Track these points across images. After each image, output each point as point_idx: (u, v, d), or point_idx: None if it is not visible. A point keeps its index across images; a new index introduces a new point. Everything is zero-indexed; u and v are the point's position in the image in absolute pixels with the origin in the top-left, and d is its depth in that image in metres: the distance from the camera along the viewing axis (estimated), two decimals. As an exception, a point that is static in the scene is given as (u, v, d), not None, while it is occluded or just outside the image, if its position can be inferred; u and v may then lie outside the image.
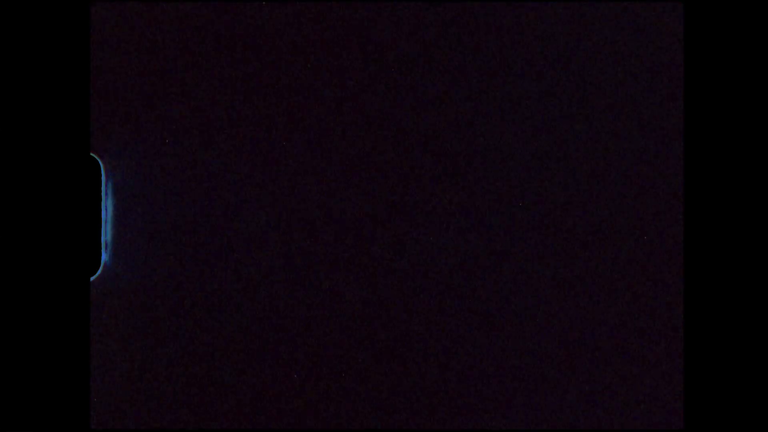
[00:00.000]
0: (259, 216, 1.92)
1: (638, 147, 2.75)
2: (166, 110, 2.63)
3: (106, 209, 2.22)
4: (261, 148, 2.89)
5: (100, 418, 2.68)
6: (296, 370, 1.88)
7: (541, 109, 2.09)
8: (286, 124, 3.08)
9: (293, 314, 1.88)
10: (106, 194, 2.22)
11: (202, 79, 2.71)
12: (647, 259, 2.93)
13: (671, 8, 1.88)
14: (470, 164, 1.76)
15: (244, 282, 1.93)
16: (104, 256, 2.21)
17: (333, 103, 1.85)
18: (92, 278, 2.10)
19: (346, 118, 1.91)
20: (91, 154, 2.12)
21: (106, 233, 2.23)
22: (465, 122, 1.86)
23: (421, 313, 1.73)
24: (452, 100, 1.89)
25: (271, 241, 1.91)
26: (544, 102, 2.24)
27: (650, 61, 2.26)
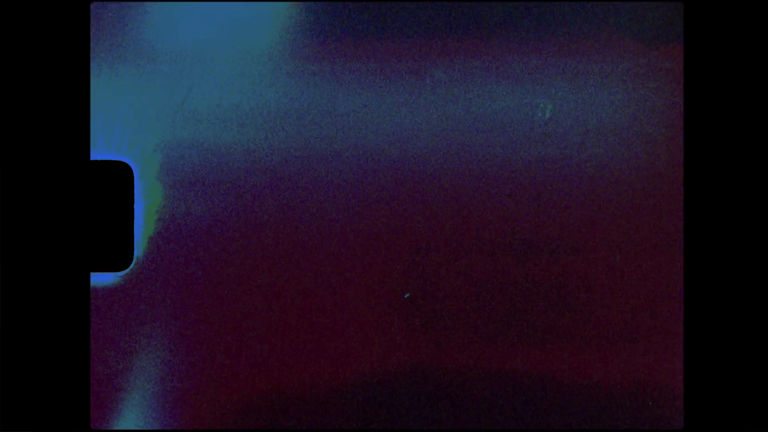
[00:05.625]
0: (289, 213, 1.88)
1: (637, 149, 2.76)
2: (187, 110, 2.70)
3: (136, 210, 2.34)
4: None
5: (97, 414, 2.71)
6: (311, 369, 1.82)
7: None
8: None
9: (315, 315, 1.82)
10: (137, 195, 2.32)
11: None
12: (648, 257, 2.87)
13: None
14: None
15: (267, 281, 1.93)
16: (136, 252, 2.33)
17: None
18: (124, 272, 2.20)
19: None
20: (120, 158, 2.22)
21: (137, 231, 2.34)
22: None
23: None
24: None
25: (295, 240, 1.88)
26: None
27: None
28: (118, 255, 1.96)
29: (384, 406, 1.62)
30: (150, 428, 1.22)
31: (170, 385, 1.80)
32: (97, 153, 1.62)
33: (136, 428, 1.26)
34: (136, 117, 1.92)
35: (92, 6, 1.11)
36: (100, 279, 1.50)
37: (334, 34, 1.80)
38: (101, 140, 1.72)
